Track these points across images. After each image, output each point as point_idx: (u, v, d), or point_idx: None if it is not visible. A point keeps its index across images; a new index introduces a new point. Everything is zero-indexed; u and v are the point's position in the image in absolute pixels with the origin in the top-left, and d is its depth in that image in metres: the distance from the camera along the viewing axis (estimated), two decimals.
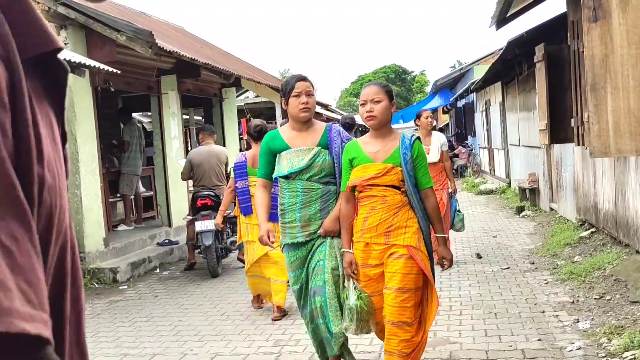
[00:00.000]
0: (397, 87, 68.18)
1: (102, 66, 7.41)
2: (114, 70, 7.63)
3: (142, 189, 11.07)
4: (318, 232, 4.01)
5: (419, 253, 3.69)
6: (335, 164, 4.00)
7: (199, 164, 8.32)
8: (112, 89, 8.81)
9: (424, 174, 3.76)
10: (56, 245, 0.70)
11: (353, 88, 71.46)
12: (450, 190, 7.80)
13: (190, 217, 8.57)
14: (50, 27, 0.72)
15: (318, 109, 21.77)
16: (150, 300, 7.26)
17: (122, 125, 11.09)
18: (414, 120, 8.25)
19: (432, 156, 7.36)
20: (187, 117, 15.97)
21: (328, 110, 26.80)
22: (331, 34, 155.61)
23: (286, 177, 4.08)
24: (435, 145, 7.70)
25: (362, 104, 3.78)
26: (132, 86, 9.64)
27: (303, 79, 4.05)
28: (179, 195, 10.69)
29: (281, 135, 4.13)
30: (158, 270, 9.02)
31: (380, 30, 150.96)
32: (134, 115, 12.63)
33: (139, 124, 11.68)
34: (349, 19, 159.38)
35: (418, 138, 3.83)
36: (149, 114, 12.09)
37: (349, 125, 7.91)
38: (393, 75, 70.28)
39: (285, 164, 4.06)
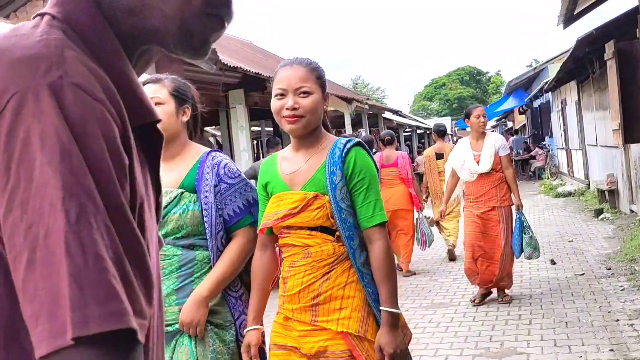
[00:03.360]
0: (472, 88, 67.18)
1: None
2: None
3: None
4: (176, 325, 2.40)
5: (363, 347, 2.28)
6: (205, 218, 2.44)
7: (253, 175, 8.54)
8: None
9: (367, 202, 2.30)
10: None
11: (427, 92, 70.82)
12: (513, 205, 6.26)
13: None
14: (149, 99, 0.87)
15: (388, 115, 21.65)
16: None
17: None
18: (465, 119, 6.57)
19: (484, 165, 6.10)
20: (259, 129, 16.26)
21: (400, 116, 26.61)
22: (403, 38, 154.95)
23: None
24: (488, 151, 6.12)
25: (279, 96, 2.29)
26: (201, 102, 9.88)
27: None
28: None
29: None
30: None
31: (453, 31, 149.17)
32: (206, 129, 12.95)
33: (210, 139, 11.98)
34: (421, 21, 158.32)
35: (358, 144, 2.36)
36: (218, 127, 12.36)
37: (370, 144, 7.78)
38: (467, 77, 69.27)
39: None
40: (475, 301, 6.26)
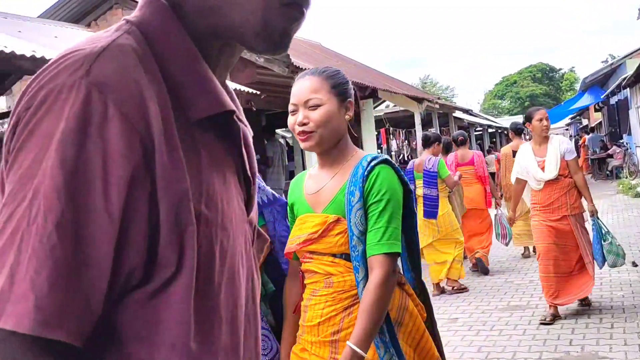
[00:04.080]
0: (544, 86, 65.48)
1: (243, 88, 7.82)
2: (255, 92, 8.02)
3: None
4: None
5: None
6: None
7: None
8: (254, 109, 9.24)
9: (377, 227, 2.01)
10: (223, 266, 0.85)
11: (497, 90, 69.45)
12: (586, 211, 5.80)
13: None
14: (223, 92, 0.87)
15: (458, 114, 21.35)
16: None
17: (265, 142, 11.58)
18: (525, 123, 6.04)
19: (549, 171, 5.62)
20: None
21: (471, 115, 26.21)
22: (473, 35, 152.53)
23: None
24: (553, 156, 5.63)
25: (292, 112, 2.13)
26: (273, 104, 10.04)
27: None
28: None
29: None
30: None
31: (524, 27, 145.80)
32: (277, 131, 13.12)
33: (281, 140, 12.13)
34: (491, 18, 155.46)
35: (385, 161, 2.11)
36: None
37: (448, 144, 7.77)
38: (540, 74, 67.56)
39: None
40: (547, 320, 5.66)
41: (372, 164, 2.08)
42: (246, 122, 1.01)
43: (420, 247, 6.97)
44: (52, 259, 0.69)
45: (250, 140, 1.02)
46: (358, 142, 12.34)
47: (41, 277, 0.68)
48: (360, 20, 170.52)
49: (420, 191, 7.17)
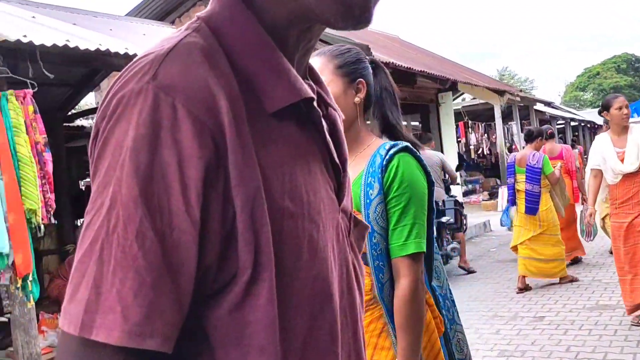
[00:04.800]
0: (630, 77, 62.91)
1: None
2: None
3: None
4: None
5: None
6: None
7: None
8: None
9: (402, 225, 1.82)
10: (311, 260, 0.83)
11: (579, 82, 67.20)
12: None
13: None
14: (299, 80, 0.84)
15: (539, 106, 20.77)
16: None
17: None
18: (602, 112, 5.65)
19: (629, 163, 5.21)
20: (405, 123, 16.22)
21: (553, 107, 25.46)
22: (552, 25, 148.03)
23: None
24: (634, 147, 5.22)
25: None
26: None
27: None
28: None
29: None
30: None
31: (607, 16, 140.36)
32: None
33: None
34: (570, 6, 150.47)
35: (405, 149, 1.89)
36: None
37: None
38: (624, 64, 64.93)
39: None
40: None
41: (392, 152, 1.85)
42: (336, 106, 0.98)
43: (520, 241, 7.01)
44: (136, 268, 0.69)
45: (340, 125, 0.98)
46: (437, 136, 12.21)
47: (126, 287, 0.69)
48: (433, 13, 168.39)
49: (521, 186, 7.16)
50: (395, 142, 1.91)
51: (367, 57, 1.99)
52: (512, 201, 7.45)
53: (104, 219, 0.70)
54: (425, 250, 1.84)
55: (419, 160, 1.90)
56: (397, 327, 1.80)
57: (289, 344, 0.79)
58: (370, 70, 1.97)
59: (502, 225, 9.06)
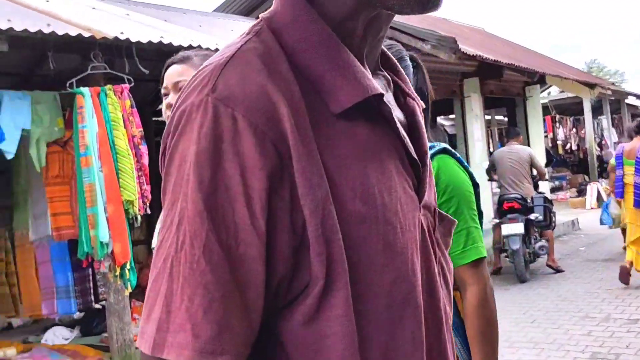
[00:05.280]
0: None
1: None
2: None
3: None
4: None
5: None
6: None
7: (497, 165, 8.41)
8: None
9: (457, 232, 1.68)
10: (388, 264, 0.78)
11: None
12: None
13: (496, 221, 8.53)
14: (365, 76, 0.80)
15: (631, 100, 19.88)
16: None
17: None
18: None
19: None
20: (489, 117, 15.89)
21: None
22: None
23: None
24: None
25: None
26: (436, 92, 9.75)
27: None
28: (483, 198, 10.69)
29: None
30: None
31: None
32: (438, 119, 12.97)
33: (441, 128, 11.97)
34: None
35: (444, 151, 1.79)
36: (450, 117, 12.30)
37: None
38: None
39: None
40: None
41: (430, 154, 1.69)
42: (415, 95, 0.93)
43: (633, 238, 6.79)
44: (204, 284, 0.68)
45: (420, 115, 0.92)
46: (524, 131, 11.89)
47: (195, 303, 0.68)
48: (517, 4, 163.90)
49: (629, 179, 6.99)
50: (432, 143, 1.78)
51: (408, 53, 1.91)
52: (620, 194, 7.29)
53: (173, 236, 0.71)
54: (486, 254, 1.73)
55: (460, 161, 1.81)
56: (470, 340, 1.70)
57: (368, 355, 0.76)
58: (411, 69, 1.90)
59: (602, 224, 8.64)
